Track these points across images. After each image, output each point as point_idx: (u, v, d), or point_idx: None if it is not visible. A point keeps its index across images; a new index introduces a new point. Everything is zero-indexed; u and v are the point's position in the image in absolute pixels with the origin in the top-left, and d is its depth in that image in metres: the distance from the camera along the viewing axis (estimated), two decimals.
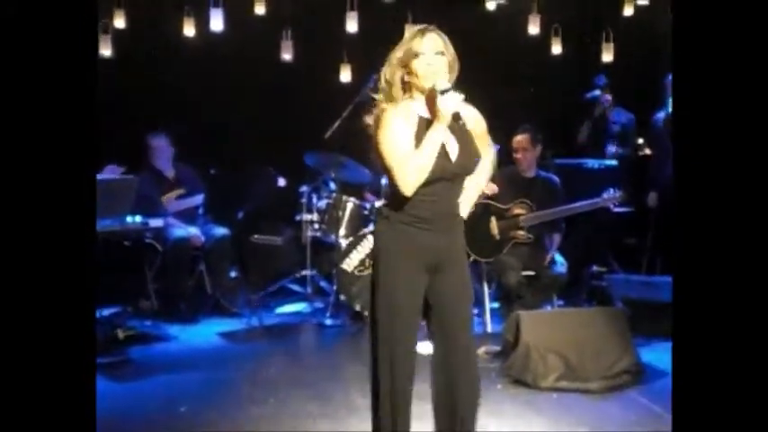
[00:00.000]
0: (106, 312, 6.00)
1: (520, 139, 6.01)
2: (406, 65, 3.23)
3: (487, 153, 3.48)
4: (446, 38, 3.25)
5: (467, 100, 3.22)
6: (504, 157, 5.78)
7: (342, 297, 6.50)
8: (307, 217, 7.12)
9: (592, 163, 6.93)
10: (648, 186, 7.16)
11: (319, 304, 7.04)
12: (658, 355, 5.46)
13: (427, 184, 3.18)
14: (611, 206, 6.01)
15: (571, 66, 7.81)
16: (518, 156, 6.01)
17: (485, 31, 7.28)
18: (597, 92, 7.42)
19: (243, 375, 5.24)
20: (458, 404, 3.33)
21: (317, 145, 6.96)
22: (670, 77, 6.86)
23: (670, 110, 6.80)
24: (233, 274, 6.95)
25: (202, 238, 6.83)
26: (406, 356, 3.31)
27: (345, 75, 7.56)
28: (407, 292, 3.28)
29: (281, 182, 7.31)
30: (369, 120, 3.34)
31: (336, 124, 6.71)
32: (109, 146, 5.35)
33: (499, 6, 7.33)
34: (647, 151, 7.52)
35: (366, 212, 6.93)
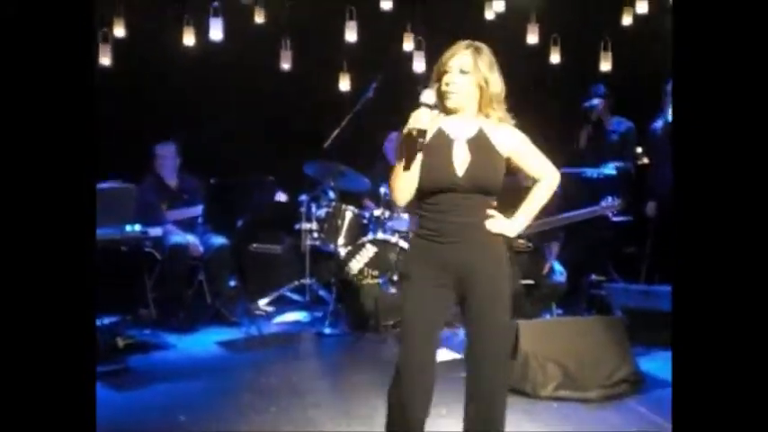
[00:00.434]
0: (105, 321, 5.99)
1: None
2: (438, 80, 3.29)
3: (541, 176, 3.47)
4: (485, 57, 3.27)
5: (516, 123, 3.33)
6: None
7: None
8: (306, 226, 7.13)
9: (591, 172, 6.94)
10: (647, 195, 7.18)
11: (318, 313, 7.04)
12: (657, 365, 5.47)
13: (431, 194, 3.26)
14: (610, 214, 6.01)
15: (570, 75, 7.82)
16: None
17: (484, 40, 7.29)
18: (595, 101, 7.43)
19: (242, 384, 5.24)
20: (481, 412, 3.33)
21: (317, 154, 6.97)
22: (668, 86, 6.88)
23: (669, 118, 6.81)
24: (232, 283, 6.95)
25: (201, 249, 6.83)
26: (413, 368, 3.30)
27: (345, 84, 7.58)
28: (417, 304, 3.31)
29: (283, 197, 7.32)
30: None
31: (335, 133, 6.72)
32: (106, 155, 5.35)
33: (498, 15, 7.35)
34: (646, 160, 7.53)
35: (365, 221, 6.95)
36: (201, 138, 7.52)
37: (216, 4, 6.92)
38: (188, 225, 6.96)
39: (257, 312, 7.11)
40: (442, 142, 3.28)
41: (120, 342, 5.80)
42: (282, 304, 7.41)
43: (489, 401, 3.33)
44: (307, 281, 7.33)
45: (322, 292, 7.33)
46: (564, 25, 7.71)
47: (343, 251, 6.72)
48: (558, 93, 7.79)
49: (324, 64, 7.69)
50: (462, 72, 3.24)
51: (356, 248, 6.59)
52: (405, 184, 3.26)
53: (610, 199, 5.91)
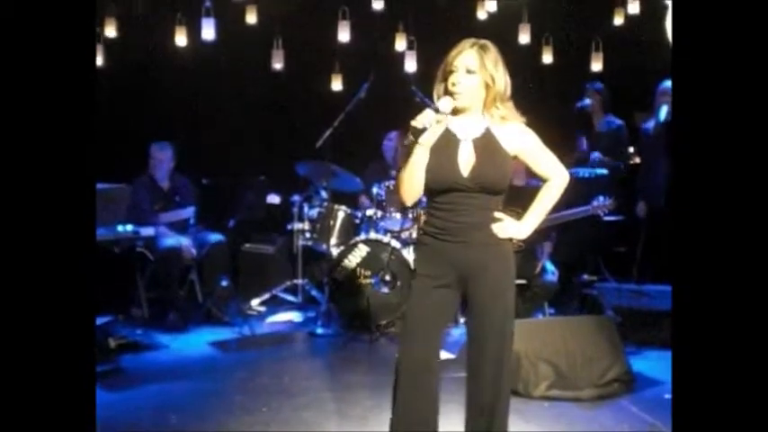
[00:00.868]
0: (97, 321, 5.97)
1: None
2: (444, 80, 3.28)
3: (550, 176, 3.45)
4: (491, 55, 3.27)
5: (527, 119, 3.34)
6: None
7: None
8: (298, 226, 7.15)
9: (582, 172, 6.95)
10: (638, 195, 7.20)
11: (311, 313, 7.04)
12: (649, 364, 5.49)
13: (438, 193, 3.29)
14: (602, 214, 6.02)
15: (562, 75, 7.83)
16: None
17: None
18: (587, 100, 7.45)
19: (234, 384, 5.23)
20: (484, 413, 3.33)
21: (309, 154, 6.97)
22: (660, 86, 6.90)
23: (660, 119, 6.83)
24: (224, 283, 6.94)
25: (194, 251, 6.83)
26: (412, 366, 3.31)
27: (337, 84, 7.58)
28: (420, 302, 3.33)
29: (275, 199, 7.31)
30: None
31: (328, 133, 6.71)
32: (97, 155, 5.35)
33: (490, 15, 7.35)
34: (638, 160, 7.54)
35: (357, 221, 6.95)
36: (193, 138, 7.52)
37: (208, 3, 6.91)
38: (180, 227, 6.95)
39: (249, 312, 7.10)
40: (449, 142, 3.29)
41: (112, 342, 5.78)
42: (275, 304, 7.40)
43: (491, 402, 3.32)
44: (299, 281, 7.34)
45: (314, 293, 7.33)
46: (556, 25, 7.72)
47: (335, 251, 6.72)
48: (550, 93, 7.79)
49: (316, 64, 7.68)
50: (469, 72, 3.23)
51: (348, 248, 6.59)
52: (409, 183, 3.27)
53: (601, 198, 5.92)
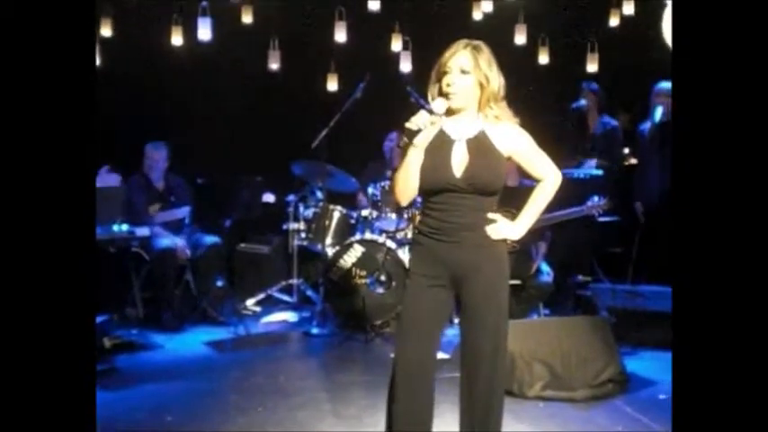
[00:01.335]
0: None
1: None
2: (438, 81, 3.29)
3: (543, 177, 3.46)
4: (485, 55, 3.28)
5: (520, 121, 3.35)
6: None
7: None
8: (294, 226, 7.15)
9: (578, 173, 6.96)
10: (634, 196, 7.21)
11: (306, 313, 7.04)
12: (644, 364, 5.50)
13: (432, 194, 3.30)
14: (597, 214, 6.02)
15: (558, 76, 7.84)
16: None
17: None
18: (582, 101, 7.47)
19: (229, 384, 5.23)
20: (477, 413, 3.34)
21: (304, 154, 6.97)
22: (655, 88, 6.92)
23: (656, 119, 6.84)
24: (220, 283, 6.94)
25: (188, 252, 6.82)
26: (408, 366, 3.32)
27: (333, 84, 7.58)
28: (415, 301, 3.35)
29: (270, 197, 7.31)
30: None
31: (323, 133, 6.72)
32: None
33: (486, 15, 7.36)
34: (634, 161, 7.56)
35: (353, 221, 6.96)
36: (189, 138, 7.51)
37: (205, 3, 6.91)
38: (175, 227, 6.95)
39: (245, 312, 7.11)
40: (443, 143, 3.30)
41: (108, 342, 5.77)
42: (270, 304, 7.41)
43: (485, 402, 3.33)
44: (294, 281, 7.35)
45: (310, 293, 7.34)
46: (551, 26, 7.73)
47: (330, 251, 6.72)
48: (546, 93, 7.79)
49: (312, 64, 7.69)
50: (463, 72, 3.24)
51: (344, 248, 6.60)
52: (403, 184, 3.29)
53: (596, 198, 5.93)
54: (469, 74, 3.24)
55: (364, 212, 6.87)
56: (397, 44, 7.43)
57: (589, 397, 4.89)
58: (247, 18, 7.22)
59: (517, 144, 3.35)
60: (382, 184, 6.81)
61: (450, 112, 3.28)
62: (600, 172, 7.02)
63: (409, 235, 6.49)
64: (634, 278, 7.02)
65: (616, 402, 4.88)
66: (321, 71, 7.62)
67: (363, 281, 6.50)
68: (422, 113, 3.19)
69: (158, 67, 7.57)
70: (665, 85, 6.87)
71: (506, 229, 3.35)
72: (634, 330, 5.94)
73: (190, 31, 7.10)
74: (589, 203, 5.92)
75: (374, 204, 6.85)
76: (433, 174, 3.26)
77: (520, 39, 7.45)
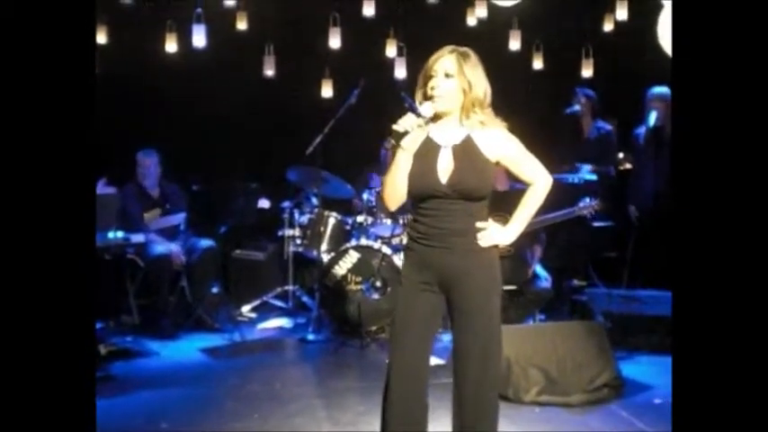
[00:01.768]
0: None
1: None
2: (424, 85, 3.30)
3: (533, 181, 3.44)
4: (470, 61, 3.29)
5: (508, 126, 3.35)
6: None
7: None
8: (289, 232, 7.15)
9: (572, 177, 6.96)
10: (629, 200, 7.23)
11: (301, 319, 7.03)
12: (639, 369, 5.50)
13: (420, 200, 3.32)
14: (588, 215, 5.99)
15: (552, 81, 7.85)
16: None
17: (466, 47, 7.29)
18: (576, 106, 7.48)
19: (225, 391, 5.22)
20: (470, 419, 3.34)
21: (299, 160, 6.98)
22: (649, 92, 6.94)
23: (650, 124, 6.86)
24: (215, 289, 6.94)
25: (183, 258, 6.82)
26: (402, 371, 3.32)
27: (327, 90, 7.59)
28: (407, 307, 3.36)
29: (266, 204, 7.31)
30: None
31: (318, 140, 6.72)
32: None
33: (480, 21, 7.37)
34: (629, 165, 7.57)
35: (348, 227, 6.96)
36: (184, 145, 7.51)
37: (199, 10, 6.91)
38: (170, 233, 6.95)
39: (240, 319, 7.10)
40: (429, 149, 3.31)
41: (103, 349, 5.76)
42: (265, 311, 7.40)
43: (474, 406, 3.33)
44: (290, 287, 7.33)
45: (305, 299, 7.33)
46: (546, 32, 7.74)
47: (326, 257, 6.72)
48: (540, 99, 7.81)
49: (307, 70, 7.69)
50: (447, 76, 3.25)
51: (339, 255, 6.60)
52: (392, 188, 3.31)
53: (588, 200, 5.92)
54: (453, 77, 3.25)
55: (359, 218, 6.88)
56: (391, 50, 7.44)
57: (585, 402, 4.90)
58: (242, 25, 7.23)
59: (505, 149, 3.35)
60: (377, 189, 6.82)
61: (436, 117, 3.29)
62: (594, 177, 7.03)
63: (404, 241, 6.48)
64: (629, 282, 7.03)
65: (612, 407, 4.88)
66: (316, 77, 7.62)
67: (359, 287, 6.50)
68: (408, 116, 3.20)
69: (153, 74, 7.57)
70: (659, 89, 6.89)
71: (497, 234, 3.35)
72: (630, 335, 5.95)
73: (184, 38, 7.10)
74: (581, 204, 5.91)
75: (369, 210, 6.86)
76: (419, 180, 3.27)
77: (514, 44, 7.46)
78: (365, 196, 6.91)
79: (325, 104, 7.36)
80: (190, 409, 4.87)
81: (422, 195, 3.29)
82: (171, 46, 7.17)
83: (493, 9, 7.28)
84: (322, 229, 6.90)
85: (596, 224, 6.70)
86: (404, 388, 3.32)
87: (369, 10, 7.11)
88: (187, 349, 6.26)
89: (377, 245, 6.59)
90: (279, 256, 7.47)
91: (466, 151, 3.29)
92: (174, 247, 6.77)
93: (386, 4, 7.25)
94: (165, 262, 6.66)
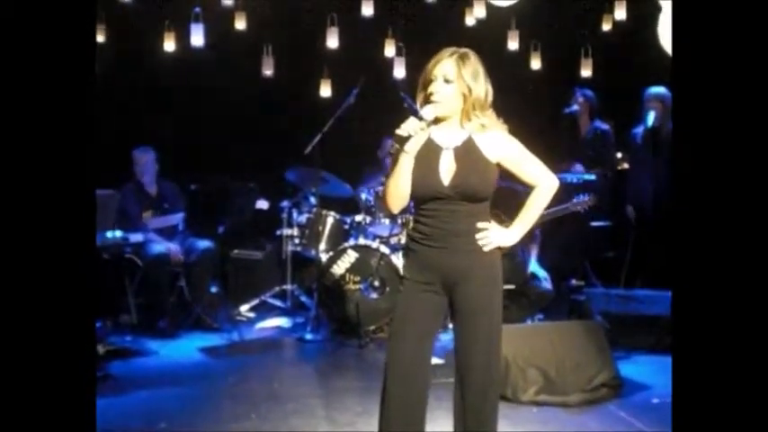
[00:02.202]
0: None
1: None
2: (424, 89, 3.31)
3: (537, 183, 3.43)
4: (470, 64, 3.27)
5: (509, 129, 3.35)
6: None
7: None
8: (287, 232, 7.15)
9: (570, 177, 6.96)
10: (626, 200, 7.23)
11: (300, 319, 7.04)
12: (638, 369, 5.51)
13: (422, 202, 3.32)
14: (582, 210, 5.95)
15: (550, 81, 7.85)
16: None
17: (464, 46, 7.29)
18: (575, 106, 7.48)
19: (223, 390, 5.23)
20: (471, 418, 3.34)
21: (298, 160, 6.98)
22: (647, 92, 6.94)
23: (648, 124, 6.86)
24: (214, 289, 6.94)
25: (181, 257, 6.82)
26: (400, 371, 3.32)
27: (326, 90, 7.59)
28: (407, 307, 3.36)
29: (264, 205, 7.32)
30: None
31: (317, 139, 6.72)
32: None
33: (479, 21, 7.37)
34: (627, 165, 7.57)
35: (346, 227, 6.96)
36: (182, 144, 7.51)
37: (197, 9, 6.91)
38: (169, 232, 6.95)
39: (239, 318, 7.10)
40: (431, 151, 3.31)
41: (101, 349, 5.75)
42: (264, 310, 7.41)
43: (478, 407, 3.34)
44: (288, 287, 7.34)
45: (303, 298, 7.33)
46: (544, 31, 7.75)
47: (324, 257, 6.73)
48: (539, 99, 7.81)
49: (305, 70, 7.69)
50: (446, 81, 3.25)
51: (337, 254, 6.60)
52: (395, 191, 3.30)
53: (581, 196, 5.91)
54: (453, 82, 3.25)
55: (358, 218, 6.88)
56: (390, 50, 7.44)
57: (583, 402, 4.90)
58: (240, 24, 7.22)
59: (506, 151, 3.35)
60: (376, 189, 6.82)
61: (437, 120, 3.29)
62: (592, 176, 7.03)
63: (403, 240, 6.49)
64: (627, 282, 7.03)
65: (610, 407, 4.89)
66: (314, 77, 7.62)
67: (357, 286, 6.50)
68: (411, 120, 3.19)
69: (151, 74, 7.57)
70: (656, 89, 6.90)
71: (499, 237, 3.35)
72: (627, 335, 5.95)
73: (182, 38, 7.10)
74: (574, 200, 5.89)
75: (368, 210, 6.86)
76: (421, 182, 3.27)
77: (512, 44, 7.47)
78: (363, 195, 6.91)
79: (323, 104, 7.37)
80: (188, 408, 4.87)
81: (424, 197, 3.30)
82: (169, 45, 7.17)
83: (491, 9, 7.28)
84: (320, 228, 6.91)
85: (594, 224, 6.70)
86: (402, 388, 3.32)
87: (367, 10, 7.11)
88: (186, 349, 6.26)
89: (375, 244, 6.60)
90: (277, 255, 7.47)
91: (467, 153, 3.29)
92: (172, 247, 6.78)
93: (384, 3, 7.25)
94: (164, 261, 6.66)
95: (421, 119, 3.20)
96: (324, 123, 6.74)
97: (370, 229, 6.80)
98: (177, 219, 6.97)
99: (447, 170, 3.27)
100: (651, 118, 6.82)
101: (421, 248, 3.33)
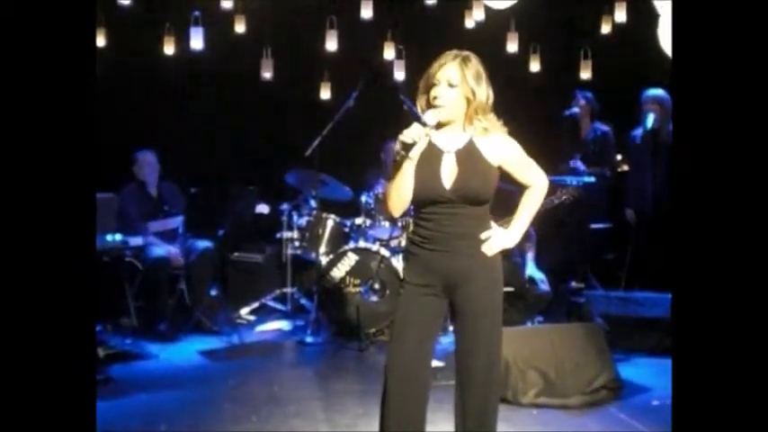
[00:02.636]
0: None
1: None
2: (426, 92, 3.30)
3: (531, 184, 3.47)
4: (473, 68, 3.28)
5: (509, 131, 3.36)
6: None
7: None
8: (287, 235, 7.15)
9: (570, 180, 6.96)
10: (626, 202, 7.24)
11: (300, 322, 7.03)
12: (637, 371, 5.51)
13: (423, 205, 3.32)
14: (567, 200, 5.89)
15: (550, 83, 7.85)
16: None
17: (464, 49, 7.28)
18: (575, 108, 7.49)
19: (223, 393, 5.23)
20: (471, 421, 3.35)
21: (298, 163, 6.98)
22: (645, 94, 6.94)
23: (647, 126, 6.86)
24: (213, 292, 6.94)
25: (182, 260, 6.82)
26: (399, 373, 3.33)
27: (325, 93, 7.59)
28: (407, 309, 3.36)
29: (264, 209, 7.32)
30: None
31: (316, 142, 6.72)
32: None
33: (478, 24, 7.37)
34: (626, 167, 7.57)
35: (346, 230, 6.96)
36: (182, 147, 7.51)
37: (197, 13, 6.91)
38: (169, 235, 6.94)
39: (239, 321, 7.10)
40: (432, 155, 3.31)
41: (102, 352, 5.76)
42: (264, 313, 7.40)
43: (479, 410, 3.35)
44: (288, 290, 7.34)
45: (303, 301, 7.33)
46: (543, 33, 7.75)
47: (324, 260, 6.73)
48: (538, 101, 7.81)
49: (305, 73, 7.69)
50: (450, 85, 3.25)
51: (338, 257, 6.60)
52: (397, 196, 3.30)
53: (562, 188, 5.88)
54: (456, 87, 3.25)
55: (358, 221, 6.88)
56: (389, 52, 7.44)
57: (583, 404, 4.90)
58: (240, 27, 7.22)
59: (506, 154, 3.36)
60: (376, 192, 6.82)
61: (439, 125, 3.29)
62: (592, 179, 7.03)
63: (403, 243, 6.49)
64: (627, 284, 7.03)
65: (610, 409, 4.89)
66: (314, 80, 7.62)
67: (357, 289, 6.51)
68: (415, 126, 3.19)
69: (151, 77, 7.57)
70: (654, 91, 6.90)
71: (500, 240, 3.35)
72: (627, 337, 5.95)
73: (182, 41, 7.10)
74: (558, 192, 5.84)
75: (368, 213, 6.86)
76: (423, 185, 3.28)
77: (512, 47, 7.47)
78: (363, 198, 6.91)
79: (323, 107, 7.37)
80: (188, 411, 4.87)
81: (425, 201, 3.30)
82: (169, 48, 7.17)
83: (490, 11, 7.28)
84: (320, 231, 6.91)
85: (594, 226, 6.70)
86: (402, 391, 3.32)
87: (367, 12, 7.11)
88: (186, 352, 6.26)
89: (375, 247, 6.60)
90: (277, 258, 7.47)
91: (469, 156, 3.30)
92: (172, 250, 6.78)
93: (383, 6, 7.25)
94: (164, 265, 6.66)
95: (425, 125, 3.20)
96: (324, 126, 6.74)
97: (371, 232, 6.80)
98: (177, 222, 6.97)
99: (449, 174, 3.28)
100: (650, 120, 6.82)
101: (422, 251, 3.33)
